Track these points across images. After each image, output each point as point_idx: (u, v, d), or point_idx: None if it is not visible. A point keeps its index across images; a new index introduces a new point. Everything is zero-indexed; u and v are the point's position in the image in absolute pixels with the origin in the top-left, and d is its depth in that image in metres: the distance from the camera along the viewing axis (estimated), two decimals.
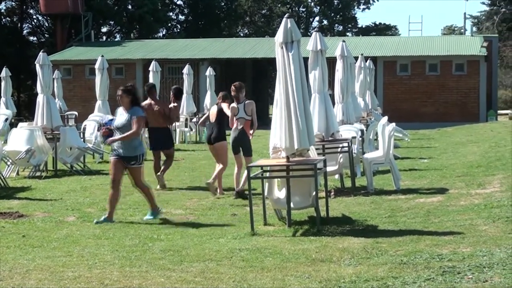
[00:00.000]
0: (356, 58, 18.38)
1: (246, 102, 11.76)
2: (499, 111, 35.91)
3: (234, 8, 51.93)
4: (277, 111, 8.86)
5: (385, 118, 13.03)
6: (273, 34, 8.92)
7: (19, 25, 46.97)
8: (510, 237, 7.45)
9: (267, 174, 9.27)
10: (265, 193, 9.14)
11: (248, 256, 7.26)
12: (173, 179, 14.21)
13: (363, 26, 59.64)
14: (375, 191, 11.48)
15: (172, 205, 10.96)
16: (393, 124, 12.17)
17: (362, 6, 59.30)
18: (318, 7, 59.43)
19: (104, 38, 47.53)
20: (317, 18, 60.70)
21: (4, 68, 25.28)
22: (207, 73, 27.76)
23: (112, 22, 48.12)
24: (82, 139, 16.21)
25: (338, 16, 59.66)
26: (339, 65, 14.50)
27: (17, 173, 14.88)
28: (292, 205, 8.89)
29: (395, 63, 31.76)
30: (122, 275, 6.58)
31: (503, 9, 42.01)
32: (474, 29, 42.64)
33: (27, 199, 11.64)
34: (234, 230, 8.78)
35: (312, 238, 8.06)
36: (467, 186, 11.48)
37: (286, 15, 9.00)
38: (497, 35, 37.11)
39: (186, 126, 24.15)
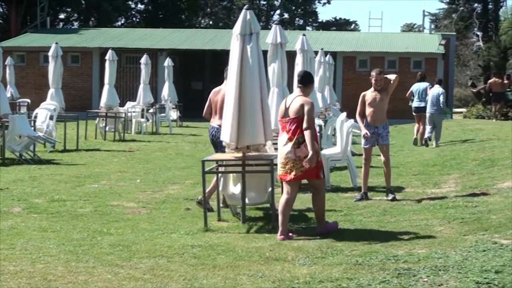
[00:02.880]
0: (316, 53, 18.25)
1: None
2: (454, 109, 36.18)
3: None
4: (230, 105, 8.59)
5: (344, 114, 12.92)
6: (233, 26, 8.75)
7: None
8: (465, 239, 7.36)
9: (222, 169, 9.07)
10: (220, 188, 8.95)
11: (200, 253, 7.05)
12: (126, 170, 13.94)
13: (324, 21, 59.71)
14: (331, 188, 11.36)
15: (125, 198, 10.67)
16: (352, 120, 12.04)
17: (323, 1, 59.33)
18: (279, 1, 59.31)
19: (61, 25, 46.64)
20: (278, 12, 60.63)
21: None
22: (166, 63, 27.43)
23: (69, 9, 47.24)
24: (32, 128, 15.78)
25: (299, 10, 59.61)
26: (298, 59, 14.32)
27: None
28: (247, 200, 8.70)
29: (355, 58, 31.75)
30: (67, 270, 6.31)
31: (461, 8, 42.38)
32: (433, 26, 42.90)
33: None
34: (187, 225, 8.56)
35: (266, 236, 7.89)
36: (423, 185, 11.44)
37: (245, 7, 8.78)
38: (454, 33, 37.37)
39: (142, 117, 23.81)
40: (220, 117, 9.46)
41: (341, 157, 11.77)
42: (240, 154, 8.70)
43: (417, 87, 18.50)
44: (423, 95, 18.38)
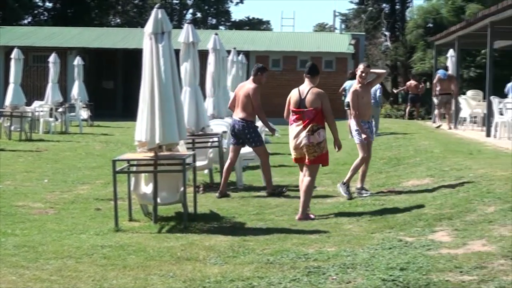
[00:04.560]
0: (228, 52, 18.29)
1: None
2: None
3: None
4: (143, 104, 8.53)
5: None
6: (145, 25, 8.69)
7: None
8: (373, 237, 7.53)
9: (134, 168, 8.96)
10: (131, 188, 8.84)
11: (110, 253, 6.95)
12: (33, 170, 13.59)
13: (237, 20, 59.92)
14: (244, 187, 11.41)
15: (31, 198, 10.40)
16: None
17: (235, 0, 59.58)
18: (192, 0, 59.11)
19: None
20: (190, 11, 60.42)
21: None
22: (75, 62, 26.92)
23: None
24: None
25: (212, 9, 59.59)
26: (211, 59, 14.34)
27: None
28: (159, 200, 8.64)
29: (267, 58, 31.98)
30: None
31: (370, 8, 43.30)
32: (343, 26, 43.72)
33: None
34: (97, 225, 8.42)
35: (178, 235, 7.84)
36: (334, 184, 11.61)
37: (156, 6, 8.72)
38: (364, 33, 38.18)
39: (51, 116, 23.27)
40: (242, 111, 10.58)
41: (254, 156, 11.82)
42: (152, 154, 8.63)
43: (350, 83, 19.12)
44: None
